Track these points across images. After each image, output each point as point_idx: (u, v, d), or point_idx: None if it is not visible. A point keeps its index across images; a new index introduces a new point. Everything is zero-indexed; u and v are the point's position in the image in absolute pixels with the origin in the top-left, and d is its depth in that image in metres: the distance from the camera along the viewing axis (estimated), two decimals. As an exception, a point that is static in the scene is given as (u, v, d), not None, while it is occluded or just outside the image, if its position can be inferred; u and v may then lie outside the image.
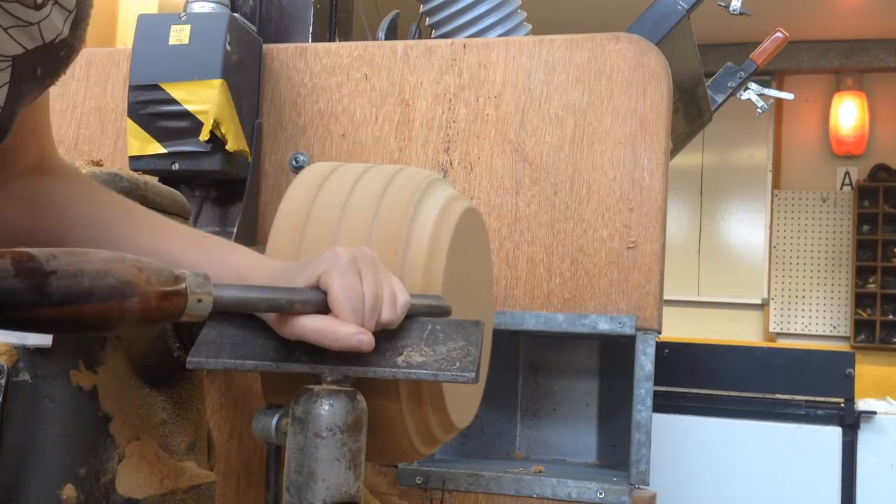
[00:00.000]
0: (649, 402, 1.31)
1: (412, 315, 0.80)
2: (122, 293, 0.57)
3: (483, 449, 1.58)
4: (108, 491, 0.85)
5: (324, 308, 0.74)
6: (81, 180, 0.85)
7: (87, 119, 1.59)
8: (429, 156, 1.45)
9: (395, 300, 0.77)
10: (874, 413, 2.19)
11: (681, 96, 2.12)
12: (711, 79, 2.44)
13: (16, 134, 0.72)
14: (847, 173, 6.77)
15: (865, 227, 6.57)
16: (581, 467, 1.53)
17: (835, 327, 6.66)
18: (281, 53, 1.53)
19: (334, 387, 0.74)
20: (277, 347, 0.77)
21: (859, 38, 6.58)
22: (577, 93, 1.41)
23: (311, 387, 0.74)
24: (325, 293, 0.74)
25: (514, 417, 1.61)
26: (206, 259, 0.81)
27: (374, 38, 1.79)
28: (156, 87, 1.39)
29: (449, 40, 1.49)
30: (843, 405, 2.19)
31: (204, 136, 1.36)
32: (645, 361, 1.31)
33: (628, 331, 1.32)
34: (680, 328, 5.73)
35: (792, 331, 6.69)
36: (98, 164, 1.01)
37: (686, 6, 1.80)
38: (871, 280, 6.54)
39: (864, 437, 2.18)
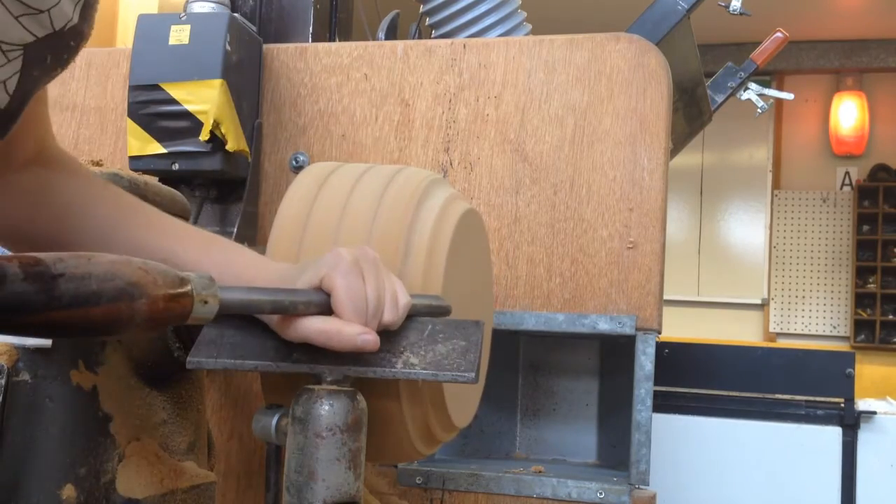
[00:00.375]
0: (649, 402, 1.31)
1: (412, 315, 0.80)
2: (130, 295, 0.57)
3: (483, 449, 1.58)
4: (108, 491, 0.85)
5: (327, 309, 0.74)
6: (83, 174, 0.85)
7: (87, 119, 1.59)
8: (429, 156, 1.45)
9: (396, 301, 0.77)
10: (874, 413, 2.19)
11: (681, 96, 2.12)
12: (711, 79, 2.44)
13: (18, 127, 0.72)
14: (847, 173, 6.77)
15: (865, 227, 6.57)
16: (581, 467, 1.53)
17: (835, 327, 6.66)
18: (281, 53, 1.53)
19: (334, 387, 0.74)
20: (277, 347, 0.77)
21: (859, 38, 6.58)
22: (577, 93, 1.41)
23: (311, 387, 0.74)
24: (328, 294, 0.74)
25: (514, 417, 1.61)
26: (207, 259, 0.81)
27: (374, 38, 1.79)
28: (156, 87, 1.39)
29: (449, 40, 1.49)
30: (843, 405, 2.20)
31: (204, 136, 1.36)
32: (645, 361, 1.31)
33: (628, 331, 1.32)
34: (680, 328, 5.73)
35: (792, 331, 6.69)
36: (98, 164, 1.01)
37: (686, 6, 1.80)
38: (871, 280, 6.54)
39: (864, 437, 2.18)
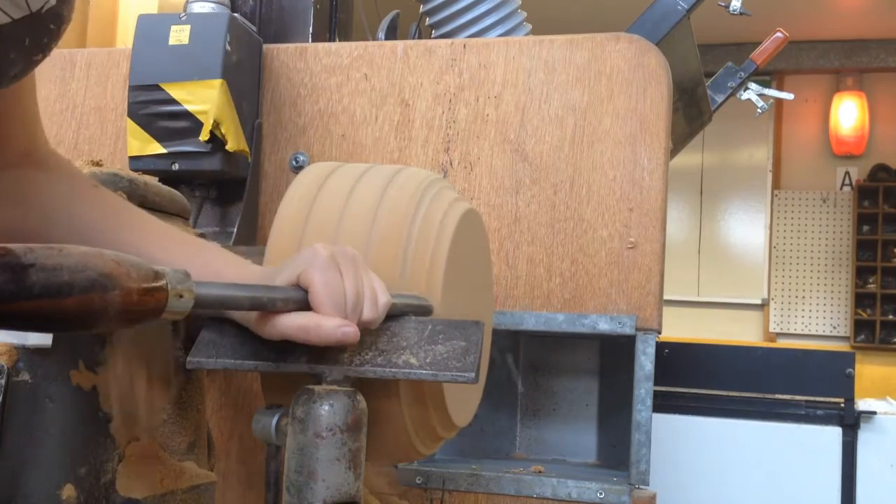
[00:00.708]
0: (649, 402, 1.31)
1: (395, 315, 0.80)
2: (103, 286, 0.56)
3: (483, 449, 1.58)
4: (107, 491, 0.85)
5: (305, 306, 0.74)
6: (71, 174, 0.85)
7: (87, 119, 1.59)
8: (429, 156, 1.45)
9: (376, 299, 0.77)
10: (874, 413, 2.19)
11: (681, 96, 2.12)
12: (711, 79, 2.44)
13: (1, 121, 0.71)
14: (847, 173, 6.77)
15: (865, 227, 6.57)
16: (581, 467, 1.53)
17: (835, 327, 6.66)
18: (281, 53, 1.53)
19: (334, 387, 0.74)
20: (277, 347, 0.77)
21: (859, 38, 6.58)
22: (577, 93, 1.41)
23: (311, 387, 0.74)
24: (306, 291, 0.74)
25: (514, 417, 1.61)
26: (188, 262, 0.80)
27: (374, 38, 1.79)
28: (156, 87, 1.39)
29: (449, 40, 1.49)
30: (843, 405, 2.19)
31: (204, 136, 1.36)
32: (645, 361, 1.31)
33: (628, 331, 1.32)
34: (680, 328, 5.74)
35: (792, 331, 6.69)
36: (98, 164, 1.01)
37: (686, 6, 1.80)
38: (871, 280, 6.54)
39: (864, 437, 2.18)
